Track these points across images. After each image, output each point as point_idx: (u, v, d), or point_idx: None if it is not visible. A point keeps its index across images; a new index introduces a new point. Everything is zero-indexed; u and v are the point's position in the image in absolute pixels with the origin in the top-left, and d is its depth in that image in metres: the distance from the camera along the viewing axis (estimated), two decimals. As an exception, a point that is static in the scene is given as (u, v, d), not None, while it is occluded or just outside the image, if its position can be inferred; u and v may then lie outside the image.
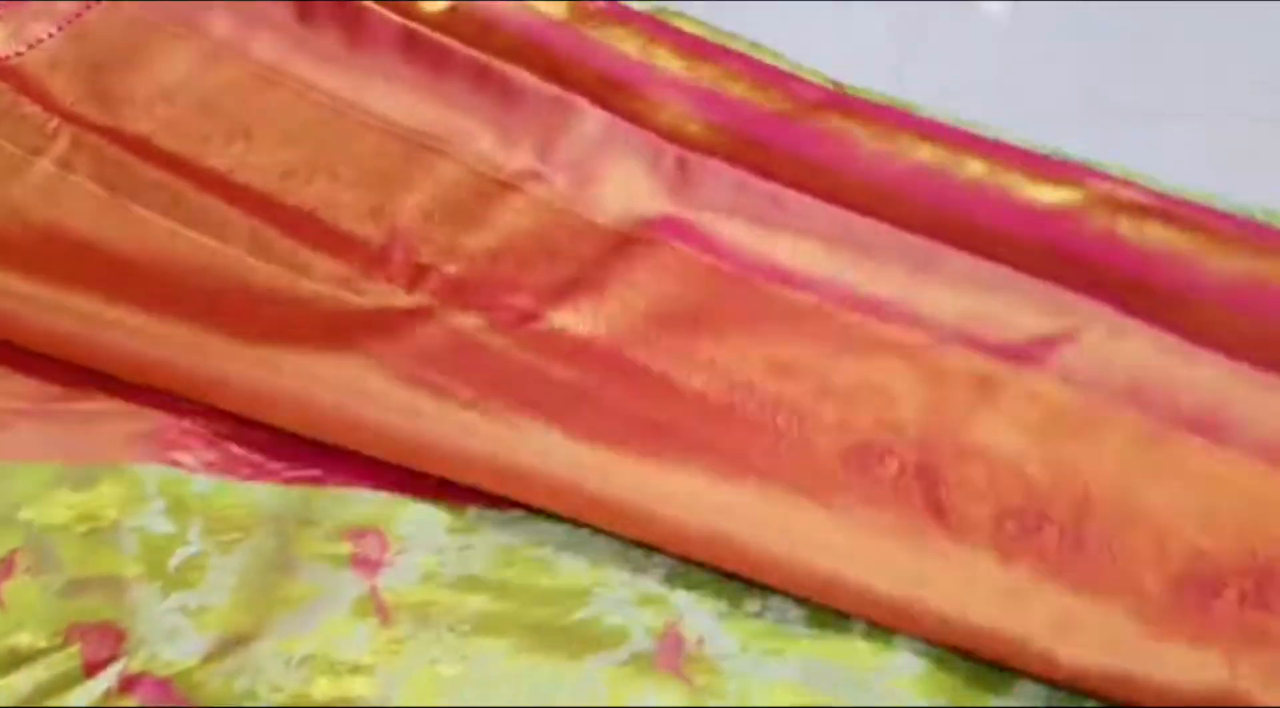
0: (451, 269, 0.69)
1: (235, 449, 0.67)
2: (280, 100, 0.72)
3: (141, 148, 0.70)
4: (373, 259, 0.69)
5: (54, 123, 0.70)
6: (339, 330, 0.67)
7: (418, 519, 0.65)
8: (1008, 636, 0.58)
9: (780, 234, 0.68)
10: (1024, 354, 0.64)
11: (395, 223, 0.70)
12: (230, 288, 0.68)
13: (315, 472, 0.66)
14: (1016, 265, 0.67)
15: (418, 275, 0.69)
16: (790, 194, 0.69)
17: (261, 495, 0.65)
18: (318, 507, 0.65)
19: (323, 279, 0.69)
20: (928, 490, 0.61)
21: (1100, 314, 0.65)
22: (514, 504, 0.65)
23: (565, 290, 0.68)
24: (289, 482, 0.66)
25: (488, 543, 0.64)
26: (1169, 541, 0.59)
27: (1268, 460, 0.61)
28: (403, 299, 0.69)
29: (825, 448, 0.62)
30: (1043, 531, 0.59)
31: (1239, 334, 0.65)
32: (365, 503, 0.65)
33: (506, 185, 0.71)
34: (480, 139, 0.71)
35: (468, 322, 0.67)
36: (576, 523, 0.64)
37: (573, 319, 0.67)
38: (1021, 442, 0.62)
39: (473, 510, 0.65)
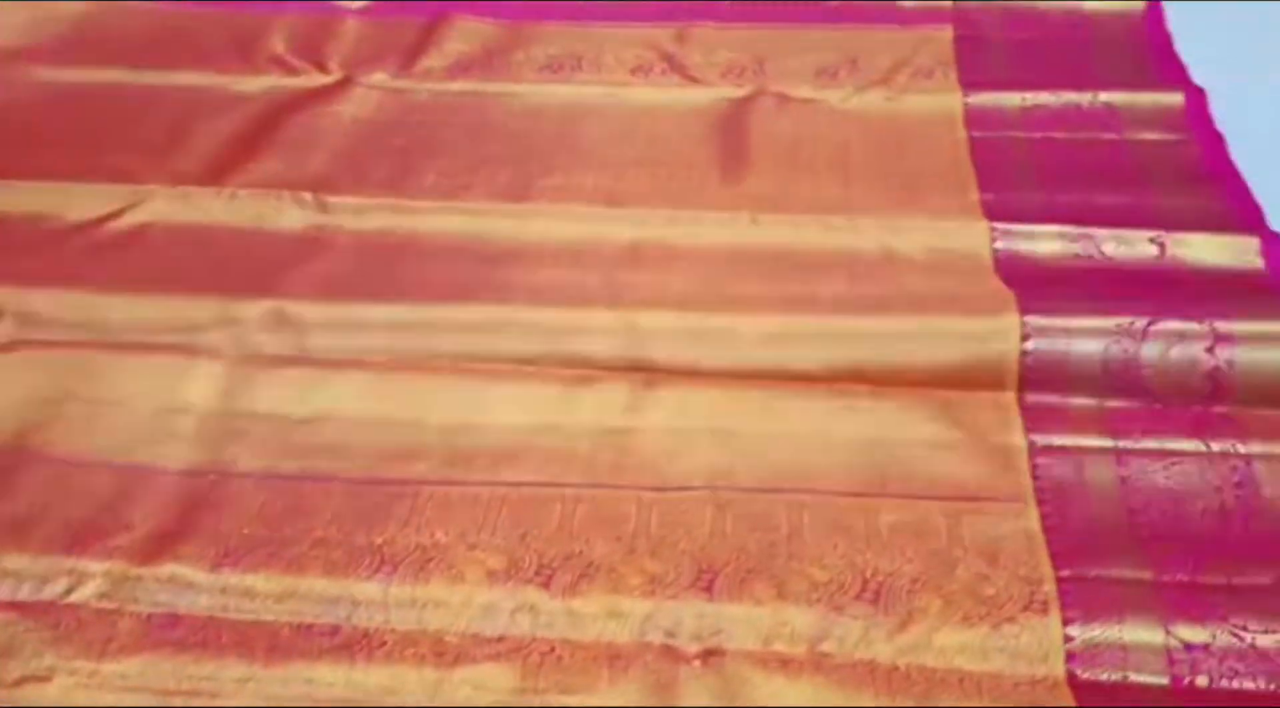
0: (336, 58, 1.15)
1: None
2: None
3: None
4: (280, 66, 1.13)
5: None
6: (297, 105, 1.08)
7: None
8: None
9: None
10: (695, 14, 1.24)
11: (273, 50, 1.14)
12: (205, 99, 1.08)
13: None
14: None
15: (319, 66, 1.14)
16: None
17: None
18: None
19: (260, 86, 1.11)
20: (679, 69, 1.16)
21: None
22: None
23: (412, 55, 1.17)
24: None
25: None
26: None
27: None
28: (323, 79, 1.12)
29: (615, 68, 1.16)
30: (763, 69, 1.17)
31: None
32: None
33: (335, 17, 1.18)
34: None
35: (377, 78, 1.14)
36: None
37: (429, 64, 1.17)
38: (716, 50, 1.21)
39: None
